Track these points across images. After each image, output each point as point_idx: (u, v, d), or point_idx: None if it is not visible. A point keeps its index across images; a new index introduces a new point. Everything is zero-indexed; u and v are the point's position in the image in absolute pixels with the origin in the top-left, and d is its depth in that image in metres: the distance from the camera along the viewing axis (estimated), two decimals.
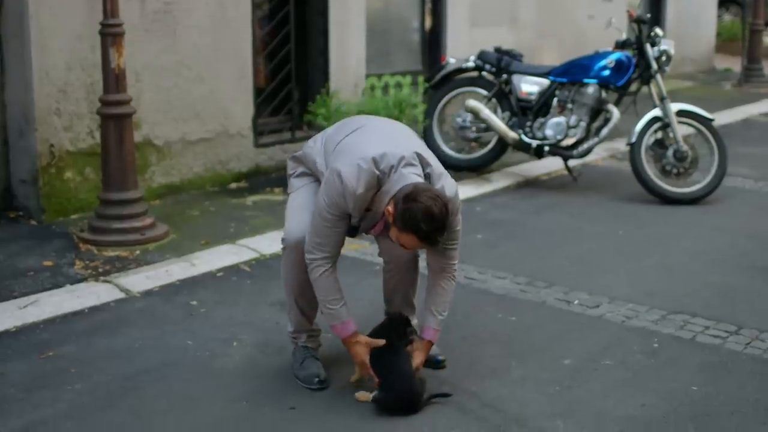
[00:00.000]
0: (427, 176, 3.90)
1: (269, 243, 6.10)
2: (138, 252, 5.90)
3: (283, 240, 4.16)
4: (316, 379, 4.17)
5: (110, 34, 5.87)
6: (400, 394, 3.94)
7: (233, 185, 7.60)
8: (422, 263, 4.41)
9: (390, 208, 3.78)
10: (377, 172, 3.81)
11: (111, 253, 5.87)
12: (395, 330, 4.08)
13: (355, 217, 3.93)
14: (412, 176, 3.83)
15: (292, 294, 4.22)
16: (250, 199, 7.19)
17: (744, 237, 6.59)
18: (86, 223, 6.19)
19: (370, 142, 3.91)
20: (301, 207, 4.17)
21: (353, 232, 4.08)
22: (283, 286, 4.26)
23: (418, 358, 4.10)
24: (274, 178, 7.76)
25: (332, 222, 3.90)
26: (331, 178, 3.87)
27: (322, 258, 3.95)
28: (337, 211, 3.88)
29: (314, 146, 4.24)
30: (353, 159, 3.83)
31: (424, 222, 3.67)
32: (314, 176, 4.24)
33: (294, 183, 4.33)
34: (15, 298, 5.13)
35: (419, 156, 3.92)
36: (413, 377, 4.00)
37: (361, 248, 6.04)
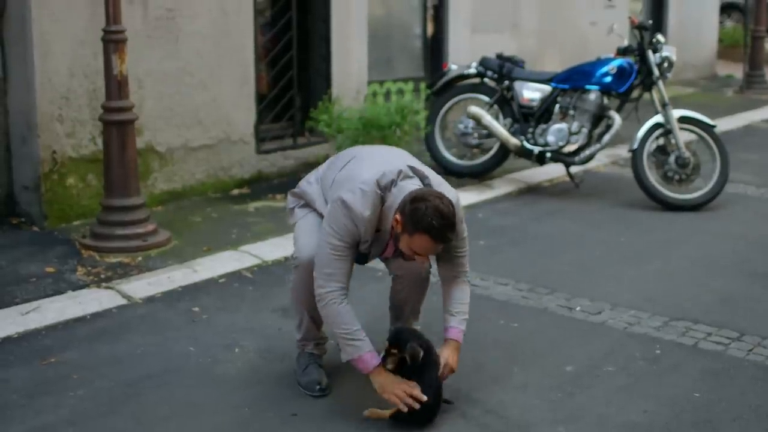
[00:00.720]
0: (427, 186, 3.91)
1: (271, 249, 6.10)
2: (140, 258, 5.90)
3: (294, 259, 4.14)
4: (318, 386, 4.17)
5: (113, 41, 5.87)
6: (431, 405, 3.91)
7: (235, 191, 7.61)
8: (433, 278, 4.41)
9: (397, 216, 3.78)
10: (379, 192, 3.83)
11: (113, 259, 5.87)
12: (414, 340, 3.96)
13: (366, 241, 3.91)
14: (412, 186, 3.84)
15: (303, 309, 4.20)
16: (252, 206, 7.19)
17: (746, 243, 6.59)
18: (88, 229, 6.20)
19: (364, 168, 3.93)
20: (310, 231, 4.14)
21: (363, 259, 4.08)
22: (293, 302, 4.25)
23: (452, 359, 4.05)
24: (276, 185, 7.77)
25: (342, 250, 3.87)
26: (334, 207, 3.86)
27: (335, 290, 3.89)
28: (348, 238, 3.86)
29: (310, 187, 4.24)
30: (353, 185, 3.85)
31: (435, 218, 3.68)
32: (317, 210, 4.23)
33: (298, 213, 4.30)
34: (17, 304, 5.14)
35: (414, 169, 3.94)
36: (441, 387, 3.98)
37: None
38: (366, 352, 3.89)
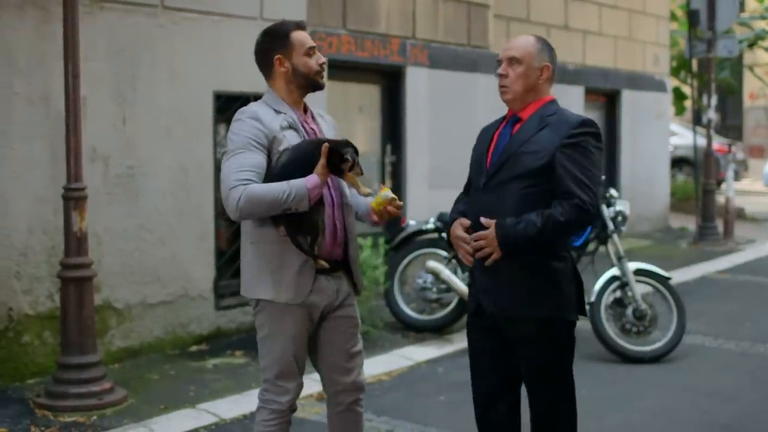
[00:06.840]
0: None
1: (229, 407, 6.02)
2: (95, 417, 5.79)
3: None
4: None
5: (73, 198, 5.91)
6: None
7: (194, 348, 7.53)
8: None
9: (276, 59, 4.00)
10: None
11: (68, 418, 5.76)
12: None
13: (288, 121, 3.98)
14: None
15: None
16: (211, 362, 7.12)
17: (704, 395, 6.59)
18: (43, 387, 6.10)
19: None
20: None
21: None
22: None
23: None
24: (235, 341, 7.71)
25: (248, 146, 3.86)
26: (232, 128, 3.93)
27: (245, 180, 3.80)
28: (256, 138, 3.87)
29: None
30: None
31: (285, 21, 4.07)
32: None
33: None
34: None
35: None
36: None
37: (322, 411, 5.96)
38: (304, 182, 3.83)
